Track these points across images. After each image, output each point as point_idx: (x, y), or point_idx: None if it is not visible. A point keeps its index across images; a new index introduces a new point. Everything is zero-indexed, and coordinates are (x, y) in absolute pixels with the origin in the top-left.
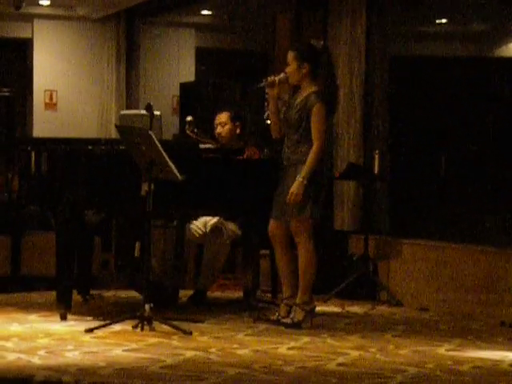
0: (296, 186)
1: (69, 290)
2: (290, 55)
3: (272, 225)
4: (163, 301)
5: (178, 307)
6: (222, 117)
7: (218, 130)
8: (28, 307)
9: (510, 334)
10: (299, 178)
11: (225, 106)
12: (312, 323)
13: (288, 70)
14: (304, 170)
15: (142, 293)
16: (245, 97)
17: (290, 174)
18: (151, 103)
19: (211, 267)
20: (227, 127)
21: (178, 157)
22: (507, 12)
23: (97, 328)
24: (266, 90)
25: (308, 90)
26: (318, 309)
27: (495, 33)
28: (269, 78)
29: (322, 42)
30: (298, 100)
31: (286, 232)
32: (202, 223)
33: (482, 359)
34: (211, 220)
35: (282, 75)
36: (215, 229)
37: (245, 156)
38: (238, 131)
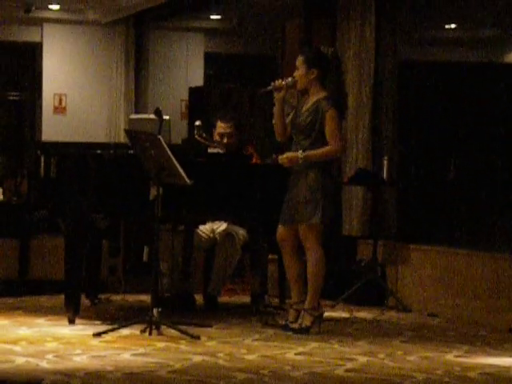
0: (293, 156)
1: (77, 294)
2: (299, 60)
3: (281, 230)
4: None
5: (196, 311)
6: (226, 126)
7: (225, 140)
8: (36, 311)
9: None
10: (300, 154)
11: (224, 113)
12: (320, 329)
13: (296, 74)
14: (310, 152)
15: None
16: (253, 102)
17: (301, 181)
18: (160, 107)
19: (223, 273)
20: (230, 138)
21: (187, 161)
22: None
23: (105, 332)
24: (274, 94)
25: (316, 95)
26: (326, 314)
27: (505, 38)
28: (276, 82)
29: (331, 49)
30: (308, 105)
31: (294, 237)
32: (209, 229)
33: (490, 366)
34: (220, 226)
35: (289, 79)
36: (227, 234)
37: (246, 152)
38: (237, 140)
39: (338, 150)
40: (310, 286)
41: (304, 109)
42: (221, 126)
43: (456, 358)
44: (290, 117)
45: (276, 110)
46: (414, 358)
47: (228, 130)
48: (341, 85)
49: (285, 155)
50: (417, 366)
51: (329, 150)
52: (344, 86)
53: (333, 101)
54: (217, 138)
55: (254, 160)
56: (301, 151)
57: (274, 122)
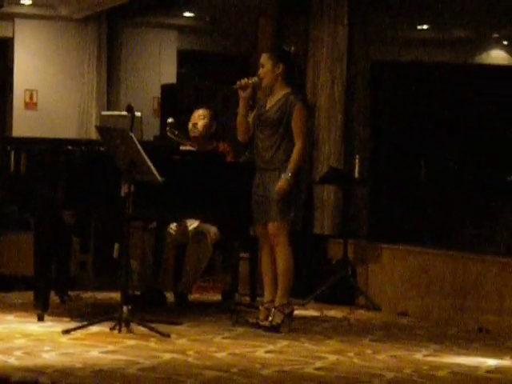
0: (284, 183)
1: (46, 290)
2: (264, 57)
3: (259, 229)
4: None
5: (166, 309)
6: (202, 112)
7: (195, 121)
8: (5, 307)
9: (487, 340)
10: (286, 176)
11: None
12: (290, 326)
13: (261, 72)
14: (290, 168)
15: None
16: (226, 100)
17: (272, 180)
18: (132, 104)
19: (194, 271)
20: (205, 121)
21: (159, 158)
22: (488, 19)
23: (74, 329)
24: (239, 92)
25: (281, 91)
26: (297, 312)
27: (476, 39)
28: (242, 81)
29: (293, 48)
30: (274, 101)
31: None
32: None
33: (459, 365)
34: (192, 224)
35: (254, 78)
36: (198, 232)
37: (220, 149)
38: (213, 130)
39: (305, 147)
40: (280, 282)
41: (269, 104)
42: (197, 114)
43: (425, 356)
44: (252, 115)
45: (240, 108)
46: (383, 356)
47: (202, 118)
48: (302, 84)
49: (278, 189)
50: (386, 364)
51: (298, 150)
52: (305, 85)
53: (300, 96)
54: (190, 127)
55: (228, 158)
56: (283, 174)
57: (237, 120)
